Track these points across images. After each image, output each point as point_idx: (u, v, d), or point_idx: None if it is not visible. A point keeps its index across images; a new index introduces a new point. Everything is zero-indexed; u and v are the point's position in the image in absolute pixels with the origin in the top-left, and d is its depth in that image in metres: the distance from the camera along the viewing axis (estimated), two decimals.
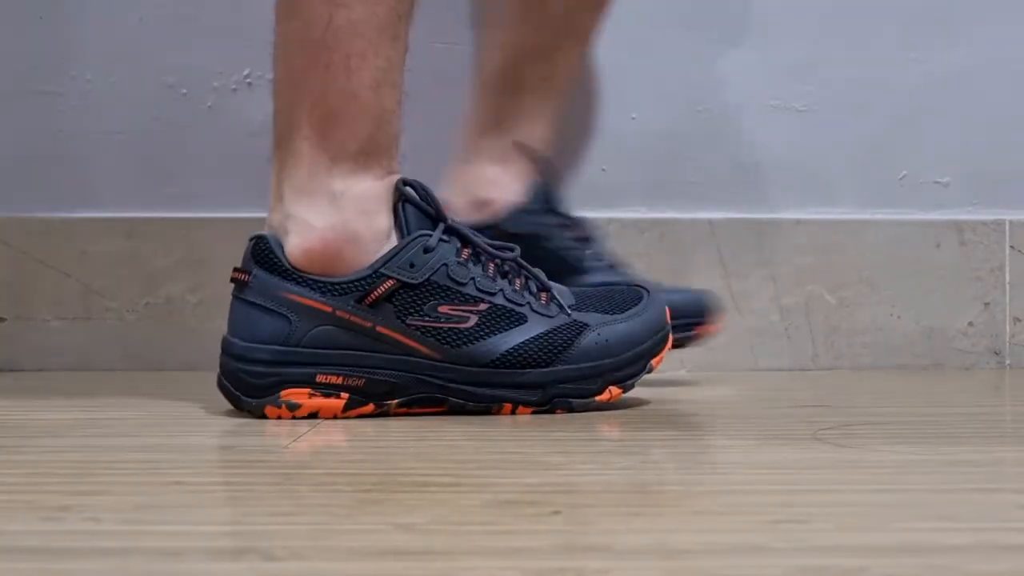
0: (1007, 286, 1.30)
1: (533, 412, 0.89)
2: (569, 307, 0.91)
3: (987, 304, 1.29)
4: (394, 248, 0.88)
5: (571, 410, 0.89)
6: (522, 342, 0.89)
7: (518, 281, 0.91)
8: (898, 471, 0.68)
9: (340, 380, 0.87)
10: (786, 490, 0.63)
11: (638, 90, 1.30)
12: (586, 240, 1.12)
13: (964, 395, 1.09)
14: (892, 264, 1.29)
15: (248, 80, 1.28)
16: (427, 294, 0.87)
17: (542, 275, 0.92)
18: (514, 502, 0.59)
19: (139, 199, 1.29)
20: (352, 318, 0.87)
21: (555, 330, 0.90)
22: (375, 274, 0.87)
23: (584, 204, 1.28)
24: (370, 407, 0.88)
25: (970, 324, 1.29)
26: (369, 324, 0.87)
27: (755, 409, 0.94)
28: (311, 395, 0.87)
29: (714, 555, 0.48)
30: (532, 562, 0.47)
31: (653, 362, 0.92)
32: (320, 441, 0.79)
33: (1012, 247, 1.30)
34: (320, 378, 0.87)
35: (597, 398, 0.90)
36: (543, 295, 0.91)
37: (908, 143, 1.31)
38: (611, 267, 1.11)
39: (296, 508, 0.58)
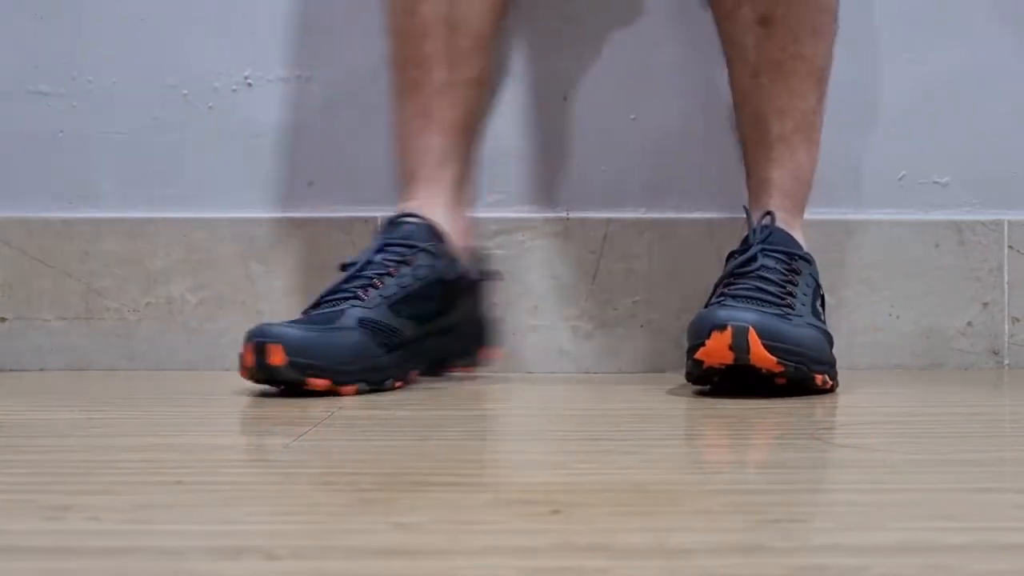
0: (1006, 286, 1.30)
1: None
2: None
3: (986, 304, 1.30)
4: None
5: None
6: None
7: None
8: (898, 471, 0.68)
9: None
10: (786, 490, 0.63)
11: (638, 90, 1.30)
12: None
13: (963, 395, 1.09)
14: (891, 264, 1.29)
15: (248, 81, 1.28)
16: None
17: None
18: (514, 502, 0.59)
19: (139, 199, 1.29)
20: None
21: None
22: None
23: (584, 204, 1.29)
24: None
25: (969, 324, 1.29)
26: None
27: (755, 409, 0.94)
28: None
29: (714, 555, 0.48)
30: (532, 562, 0.47)
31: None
32: (320, 441, 0.79)
33: (1011, 247, 1.30)
34: None
35: None
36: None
37: (907, 143, 1.31)
38: None
39: (296, 508, 0.59)
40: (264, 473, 0.69)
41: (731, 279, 1.07)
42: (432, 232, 1.12)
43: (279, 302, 1.27)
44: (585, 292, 1.27)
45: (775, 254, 1.09)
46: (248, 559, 0.48)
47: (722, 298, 1.05)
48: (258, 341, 0.99)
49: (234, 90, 1.29)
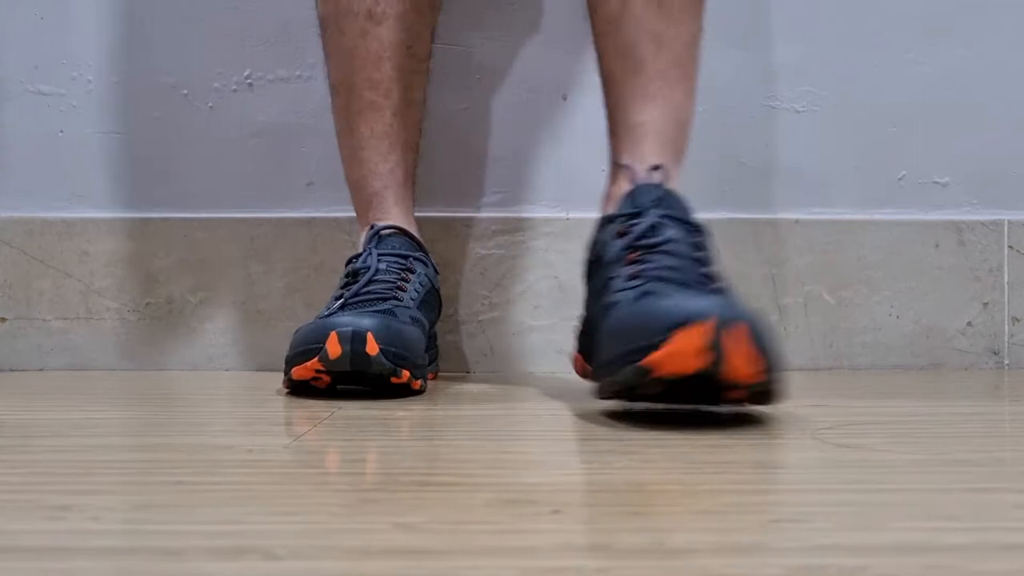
0: (1005, 286, 1.30)
1: None
2: None
3: (986, 304, 1.30)
4: None
5: None
6: None
7: None
8: (898, 471, 0.68)
9: None
10: (786, 490, 0.63)
11: None
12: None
13: (963, 395, 1.09)
14: (891, 264, 1.30)
15: (248, 81, 1.28)
16: None
17: None
18: (514, 502, 0.59)
19: (139, 199, 1.29)
20: None
21: None
22: None
23: (585, 205, 1.28)
24: None
25: (969, 324, 1.29)
26: None
27: (754, 409, 0.93)
28: None
29: (714, 555, 0.48)
30: (532, 562, 0.47)
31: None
32: (320, 441, 0.79)
33: (1011, 247, 1.30)
34: None
35: None
36: None
37: (907, 143, 1.31)
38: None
39: (296, 508, 0.59)
40: (264, 473, 0.69)
41: (633, 252, 0.88)
42: (417, 243, 1.14)
43: (279, 302, 1.27)
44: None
45: (676, 223, 0.90)
46: (248, 559, 0.48)
47: (641, 282, 0.85)
48: (351, 330, 0.95)
49: (234, 90, 1.29)
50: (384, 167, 1.14)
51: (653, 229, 0.89)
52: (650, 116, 0.98)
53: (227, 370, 1.26)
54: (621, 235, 0.91)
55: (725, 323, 0.75)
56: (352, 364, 0.96)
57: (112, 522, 0.55)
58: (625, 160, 0.97)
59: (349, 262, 1.11)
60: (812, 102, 1.31)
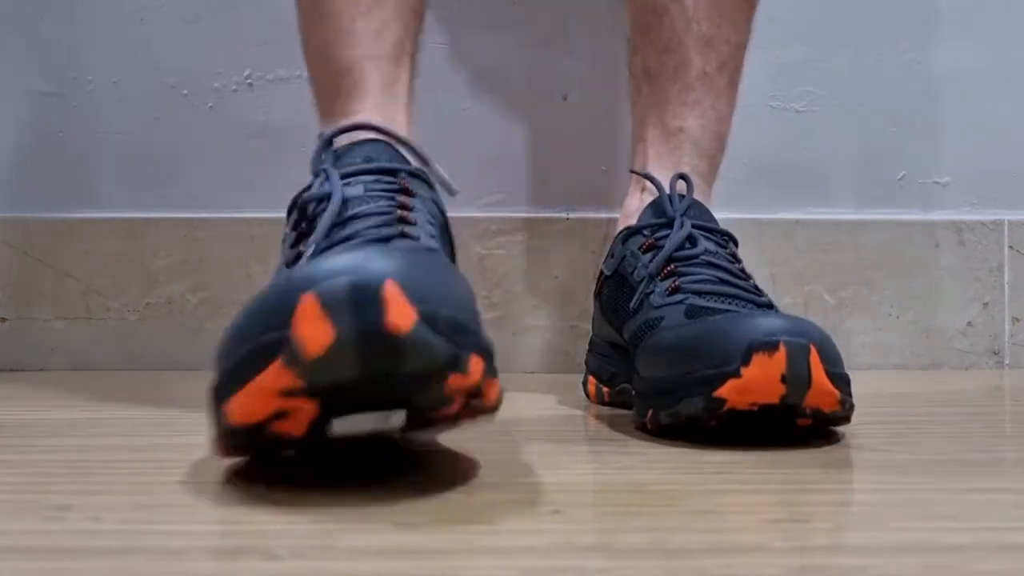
0: (1006, 286, 1.30)
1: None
2: None
3: (986, 304, 1.30)
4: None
5: None
6: None
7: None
8: (898, 471, 0.68)
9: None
10: (786, 490, 0.63)
11: None
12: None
13: (963, 395, 1.09)
14: (891, 264, 1.29)
15: (249, 81, 1.28)
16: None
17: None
18: (514, 502, 0.59)
19: (139, 199, 1.29)
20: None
21: None
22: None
23: (584, 204, 1.29)
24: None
25: (969, 324, 1.29)
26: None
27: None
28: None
29: (714, 555, 0.48)
30: (532, 562, 0.47)
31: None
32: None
33: (1011, 247, 1.30)
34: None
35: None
36: None
37: (907, 143, 1.31)
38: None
39: (296, 508, 0.58)
40: (264, 473, 0.69)
41: (668, 265, 0.81)
42: (410, 150, 0.76)
43: None
44: (585, 292, 1.27)
45: (709, 234, 0.84)
46: (248, 559, 0.48)
47: (683, 296, 0.77)
48: (348, 281, 0.49)
49: (234, 90, 1.29)
50: (363, 25, 0.75)
51: (689, 240, 0.82)
52: (689, 123, 0.88)
53: None
54: (649, 248, 0.83)
55: (804, 344, 0.66)
56: (364, 359, 0.50)
57: (112, 522, 0.55)
58: (651, 169, 0.88)
59: (292, 205, 0.73)
60: (812, 102, 1.31)
